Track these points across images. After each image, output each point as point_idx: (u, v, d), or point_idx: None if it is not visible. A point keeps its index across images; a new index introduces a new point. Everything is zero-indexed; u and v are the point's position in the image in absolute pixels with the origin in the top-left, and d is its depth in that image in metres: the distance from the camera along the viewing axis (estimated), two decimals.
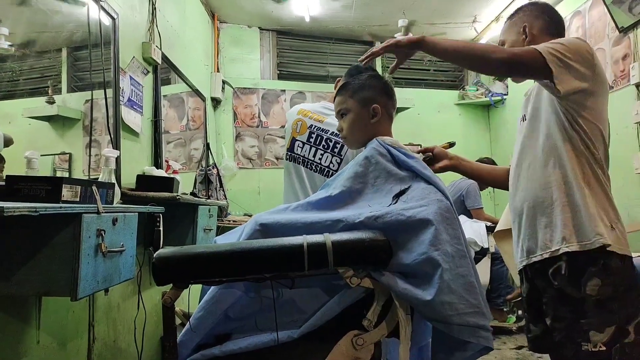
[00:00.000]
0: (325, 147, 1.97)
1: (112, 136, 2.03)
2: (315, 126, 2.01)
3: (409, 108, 4.59)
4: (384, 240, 1.09)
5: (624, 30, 2.98)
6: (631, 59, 2.93)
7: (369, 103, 1.42)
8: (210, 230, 2.60)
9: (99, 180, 1.65)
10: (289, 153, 2.05)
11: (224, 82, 4.27)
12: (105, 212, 1.33)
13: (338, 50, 4.83)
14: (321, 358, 1.11)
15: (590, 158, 1.34)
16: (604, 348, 1.24)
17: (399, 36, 1.32)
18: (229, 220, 3.50)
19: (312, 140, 2.00)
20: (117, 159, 1.93)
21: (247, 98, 4.48)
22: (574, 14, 3.52)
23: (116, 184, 1.63)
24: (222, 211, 3.56)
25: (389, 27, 4.38)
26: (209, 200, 2.91)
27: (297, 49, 4.78)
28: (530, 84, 1.48)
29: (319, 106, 2.10)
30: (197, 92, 3.60)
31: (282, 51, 4.74)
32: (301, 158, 2.01)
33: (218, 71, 4.26)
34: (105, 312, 1.97)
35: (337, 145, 1.95)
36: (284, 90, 4.57)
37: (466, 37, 4.70)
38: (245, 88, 4.48)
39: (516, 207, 1.47)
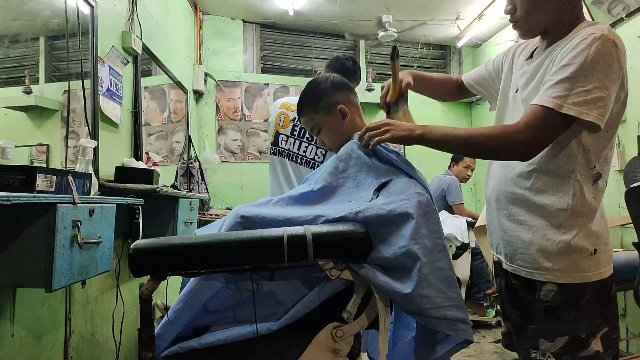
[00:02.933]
0: (310, 139, 1.96)
1: (90, 127, 1.99)
2: (298, 119, 2.00)
3: None
4: (364, 232, 1.09)
5: None
6: None
7: (333, 108, 1.39)
8: (191, 223, 2.57)
9: (75, 170, 1.61)
10: (274, 147, 2.04)
11: (206, 74, 4.22)
12: (81, 203, 1.31)
13: (322, 44, 4.82)
14: (301, 350, 1.11)
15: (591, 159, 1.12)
16: (552, 359, 1.13)
17: (394, 127, 1.21)
18: (211, 214, 3.47)
19: (295, 133, 1.99)
20: (96, 150, 1.90)
21: (230, 91, 4.45)
22: None
23: (93, 175, 1.60)
24: (203, 204, 3.53)
25: (374, 23, 4.38)
26: (190, 193, 2.88)
27: (281, 43, 4.75)
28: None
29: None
30: (178, 84, 3.55)
31: (266, 44, 4.71)
32: (286, 151, 2.00)
33: (200, 63, 4.21)
34: (83, 305, 1.93)
35: (311, 135, 1.93)
36: (268, 84, 4.54)
37: (449, 34, 4.73)
38: (228, 81, 4.44)
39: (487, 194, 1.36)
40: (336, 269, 1.08)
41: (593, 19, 3.03)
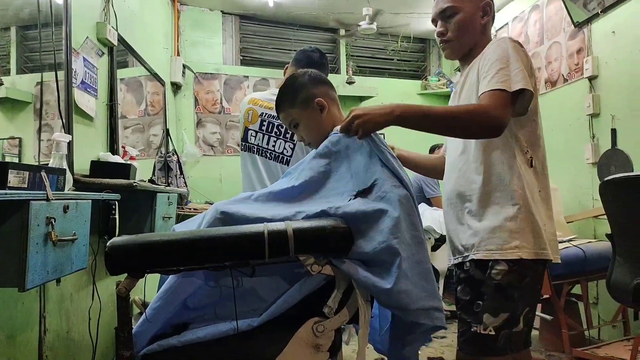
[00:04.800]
0: (278, 133, 1.97)
1: (64, 120, 1.94)
2: (266, 114, 2.01)
3: (372, 97, 4.61)
4: (345, 227, 1.09)
5: (578, 25, 3.08)
6: (585, 53, 3.04)
7: (310, 101, 1.38)
8: (169, 218, 2.54)
9: (49, 165, 1.57)
10: (243, 143, 2.06)
11: (184, 66, 4.16)
12: (55, 199, 1.27)
13: (302, 37, 4.79)
14: (282, 346, 1.11)
15: (524, 147, 1.34)
16: (493, 332, 1.24)
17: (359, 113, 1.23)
18: (190, 208, 3.43)
19: (264, 128, 2.00)
20: (70, 144, 1.85)
21: (209, 83, 4.39)
22: (532, 8, 3.61)
23: (68, 170, 1.56)
24: (182, 199, 3.49)
25: (354, 15, 4.36)
26: (168, 188, 2.84)
27: (260, 35, 4.70)
28: None
29: (268, 93, 2.10)
30: (156, 76, 3.49)
31: (245, 36, 4.65)
32: (255, 147, 2.01)
33: (178, 55, 4.14)
34: (58, 303, 1.89)
35: (290, 130, 1.95)
36: (247, 77, 4.49)
37: (429, 28, 4.75)
38: (206, 73, 4.37)
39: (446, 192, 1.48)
40: (317, 264, 1.08)
41: (570, 14, 3.09)
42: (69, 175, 1.58)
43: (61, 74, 1.94)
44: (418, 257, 1.11)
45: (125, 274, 1.05)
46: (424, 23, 4.60)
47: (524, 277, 1.27)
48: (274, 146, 1.98)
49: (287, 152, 1.96)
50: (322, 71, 2.09)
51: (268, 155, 1.99)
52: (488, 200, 1.31)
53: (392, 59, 5.02)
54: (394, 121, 1.22)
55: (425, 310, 1.09)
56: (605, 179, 1.81)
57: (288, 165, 1.96)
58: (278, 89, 2.07)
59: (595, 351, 2.16)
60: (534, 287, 1.32)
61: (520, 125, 1.33)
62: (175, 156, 3.69)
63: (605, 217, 1.95)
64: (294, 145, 1.94)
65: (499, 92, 1.23)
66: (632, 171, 2.56)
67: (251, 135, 2.03)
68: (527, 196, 1.28)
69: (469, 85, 1.39)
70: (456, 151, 1.43)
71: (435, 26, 1.47)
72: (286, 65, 2.14)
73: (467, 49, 1.44)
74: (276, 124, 1.98)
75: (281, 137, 1.97)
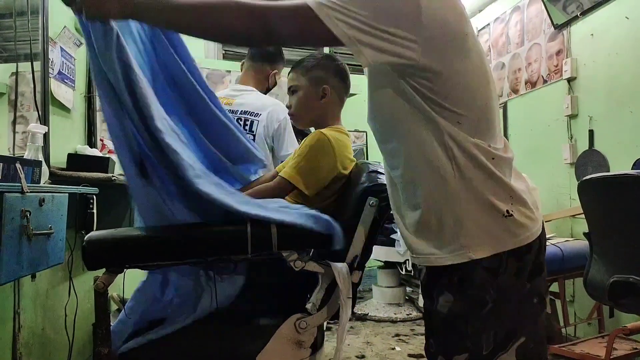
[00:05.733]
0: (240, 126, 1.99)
1: (40, 111, 1.89)
2: (225, 110, 2.03)
3: (355, 94, 4.60)
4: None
5: (558, 27, 3.12)
6: (564, 54, 3.09)
7: (319, 83, 1.42)
8: None
9: (24, 157, 1.53)
10: None
11: None
12: (30, 192, 1.24)
13: None
14: (263, 342, 1.10)
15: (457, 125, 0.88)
16: None
17: None
18: None
19: None
20: (46, 136, 1.80)
21: None
22: (513, 9, 3.65)
23: (44, 163, 1.52)
24: None
25: None
26: None
27: None
28: None
29: (228, 90, 2.13)
30: None
31: None
32: None
33: None
34: (33, 299, 1.85)
35: (247, 122, 1.98)
36: (230, 71, 4.43)
37: None
38: None
39: None
40: (301, 261, 1.07)
41: (550, 16, 3.13)
42: (45, 167, 1.54)
43: (37, 65, 1.90)
44: None
45: (103, 269, 1.02)
46: None
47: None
48: None
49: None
50: (276, 61, 2.15)
51: None
52: None
53: None
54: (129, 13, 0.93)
55: None
56: (583, 178, 1.84)
57: None
58: (241, 85, 2.12)
59: (571, 348, 2.20)
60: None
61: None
62: None
63: (582, 216, 1.98)
64: (254, 136, 1.97)
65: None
66: (609, 171, 2.61)
67: None
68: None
69: None
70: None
71: None
72: (242, 61, 2.17)
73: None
74: (235, 118, 2.00)
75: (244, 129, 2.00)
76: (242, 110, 2.01)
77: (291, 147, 2.09)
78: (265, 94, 2.18)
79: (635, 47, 2.54)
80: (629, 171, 1.86)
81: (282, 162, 2.14)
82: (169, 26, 1.01)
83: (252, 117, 2.00)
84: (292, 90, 1.46)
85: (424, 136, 0.89)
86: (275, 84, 2.20)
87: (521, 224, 0.90)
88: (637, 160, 2.26)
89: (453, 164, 0.88)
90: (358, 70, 1.55)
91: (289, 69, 1.52)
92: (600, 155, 2.75)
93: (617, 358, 2.03)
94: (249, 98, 2.05)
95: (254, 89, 2.10)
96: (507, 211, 0.89)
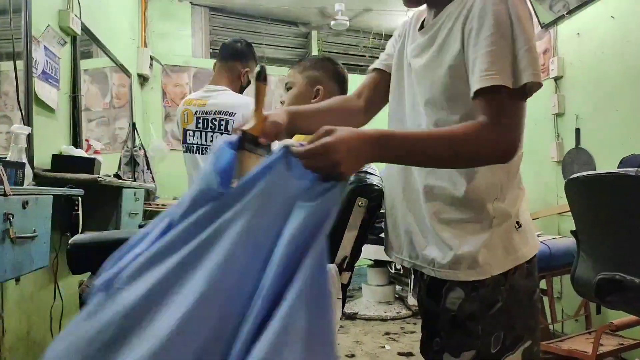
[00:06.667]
0: (213, 127, 2.02)
1: (23, 111, 1.85)
2: (199, 111, 2.05)
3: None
4: None
5: (545, 26, 3.15)
6: (551, 53, 3.11)
7: (315, 83, 1.43)
8: (136, 214, 2.47)
9: (7, 159, 1.50)
10: (183, 145, 2.10)
11: (152, 58, 4.05)
12: (13, 194, 1.21)
13: (274, 31, 4.74)
14: None
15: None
16: None
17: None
18: (157, 204, 3.35)
19: (200, 125, 2.05)
20: (29, 137, 1.77)
21: (178, 76, 4.29)
22: None
23: (27, 164, 1.50)
24: (149, 194, 3.40)
25: (327, 11, 4.35)
26: (134, 183, 2.77)
27: (231, 28, 4.63)
28: None
29: (201, 91, 2.15)
30: (122, 68, 3.38)
31: (215, 29, 4.57)
32: (195, 146, 2.05)
33: (145, 46, 4.03)
34: (17, 303, 1.82)
35: (222, 122, 2.00)
36: None
37: (400, 25, 4.77)
38: (175, 65, 4.27)
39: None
40: None
41: (537, 15, 3.15)
42: (28, 169, 1.51)
43: (20, 64, 1.86)
44: None
45: (89, 273, 1.00)
46: (395, 20, 4.63)
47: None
48: (212, 141, 2.02)
49: None
50: (247, 59, 2.18)
51: (208, 152, 2.02)
52: None
53: (364, 56, 5.03)
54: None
55: None
56: (571, 177, 1.85)
57: None
58: (214, 85, 2.13)
59: (559, 344, 2.21)
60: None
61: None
62: (142, 150, 3.60)
63: (569, 213, 1.99)
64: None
65: (504, 95, 0.82)
66: (595, 169, 2.64)
67: (189, 136, 2.07)
68: None
69: (433, 52, 0.94)
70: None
71: None
72: (214, 62, 2.20)
73: None
74: (209, 118, 2.03)
75: (216, 130, 2.02)
76: (216, 111, 2.02)
77: None
78: (240, 92, 2.18)
79: (621, 46, 2.56)
80: (615, 169, 1.88)
81: None
82: (418, 164, 0.93)
83: (227, 117, 2.01)
84: (287, 87, 1.47)
85: None
86: (249, 82, 2.20)
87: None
88: (623, 158, 2.28)
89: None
90: (348, 69, 1.55)
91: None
92: (587, 154, 2.77)
93: (604, 354, 2.05)
94: (222, 98, 2.06)
95: (227, 88, 2.10)
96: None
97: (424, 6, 1.04)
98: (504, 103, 0.83)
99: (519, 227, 0.93)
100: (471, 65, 0.85)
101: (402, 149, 0.83)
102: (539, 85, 0.85)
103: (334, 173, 0.73)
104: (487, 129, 0.83)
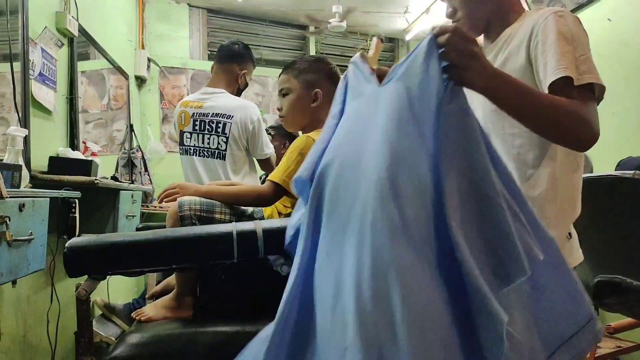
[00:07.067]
0: (210, 129, 2.02)
1: (20, 113, 1.85)
2: (197, 113, 2.06)
3: None
4: None
5: None
6: None
7: (311, 86, 1.41)
8: (133, 216, 2.46)
9: (3, 161, 1.49)
10: (180, 147, 2.11)
11: (149, 60, 4.04)
12: (10, 197, 1.21)
13: (271, 32, 4.74)
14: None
15: None
16: None
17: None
18: (155, 206, 3.34)
19: (197, 127, 2.05)
20: (26, 139, 1.77)
21: (175, 78, 4.28)
22: None
23: (24, 166, 1.49)
24: (147, 197, 3.39)
25: (324, 12, 4.35)
26: (132, 185, 2.76)
27: (229, 29, 4.62)
28: None
29: (198, 94, 2.15)
30: (119, 69, 3.37)
31: (213, 31, 4.56)
32: (192, 148, 2.06)
33: (143, 48, 4.02)
34: (13, 306, 1.80)
35: (220, 124, 2.00)
36: None
37: (398, 27, 4.79)
38: (173, 67, 4.27)
39: None
40: (287, 266, 1.06)
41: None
42: (25, 171, 1.50)
43: (17, 65, 1.86)
44: None
45: (85, 276, 1.00)
46: (393, 22, 4.63)
47: None
48: (209, 143, 2.02)
49: (222, 146, 2.01)
50: (244, 61, 2.18)
51: (205, 154, 2.03)
52: None
53: None
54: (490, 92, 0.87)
55: None
56: None
57: (225, 159, 2.01)
58: (211, 88, 2.14)
59: None
60: None
61: None
62: (140, 152, 3.59)
63: None
64: (227, 138, 1.99)
65: (591, 95, 0.98)
66: (592, 172, 2.64)
67: (186, 138, 2.07)
68: None
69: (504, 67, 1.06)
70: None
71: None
72: (212, 64, 2.21)
73: (484, 22, 1.17)
74: (207, 120, 2.02)
75: (213, 132, 2.02)
76: (213, 113, 2.02)
77: (266, 147, 2.12)
78: (237, 95, 2.18)
79: (617, 49, 2.57)
80: (613, 172, 1.88)
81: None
82: (517, 114, 0.93)
83: (225, 119, 2.01)
84: (283, 93, 1.44)
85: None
86: (246, 84, 2.21)
87: None
88: (620, 161, 2.29)
89: None
90: (342, 70, 1.54)
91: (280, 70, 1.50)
92: (584, 156, 2.78)
93: (602, 356, 2.06)
94: (219, 100, 2.06)
95: (224, 90, 2.11)
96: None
97: None
98: (590, 101, 0.98)
99: (570, 238, 1.10)
100: (542, 69, 0.99)
101: (514, 86, 0.89)
102: (603, 90, 1.01)
103: (464, 63, 0.79)
104: (583, 110, 0.94)
